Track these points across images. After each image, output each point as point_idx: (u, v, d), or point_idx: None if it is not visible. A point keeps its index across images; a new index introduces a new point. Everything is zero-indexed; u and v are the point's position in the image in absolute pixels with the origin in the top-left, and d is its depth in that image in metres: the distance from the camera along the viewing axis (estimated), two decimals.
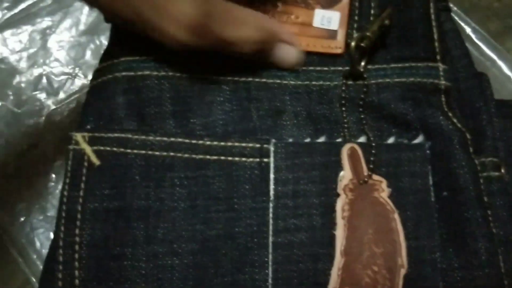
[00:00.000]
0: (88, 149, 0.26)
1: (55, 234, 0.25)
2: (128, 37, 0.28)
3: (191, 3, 0.24)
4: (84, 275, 0.24)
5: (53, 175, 0.36)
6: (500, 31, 0.38)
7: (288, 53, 0.28)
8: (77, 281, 0.24)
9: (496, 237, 0.26)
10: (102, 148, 0.26)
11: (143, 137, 0.26)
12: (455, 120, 0.28)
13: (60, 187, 0.34)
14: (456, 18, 0.37)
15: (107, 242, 0.24)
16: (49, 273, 0.24)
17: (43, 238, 0.34)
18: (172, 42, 0.25)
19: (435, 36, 0.29)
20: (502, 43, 0.37)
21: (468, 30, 0.38)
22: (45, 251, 0.33)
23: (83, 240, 0.24)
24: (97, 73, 0.29)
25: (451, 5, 0.34)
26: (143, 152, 0.26)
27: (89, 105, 0.28)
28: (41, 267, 0.33)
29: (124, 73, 0.28)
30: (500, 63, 0.37)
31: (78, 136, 0.26)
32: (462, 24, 0.38)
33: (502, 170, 0.28)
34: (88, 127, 0.27)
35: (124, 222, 0.25)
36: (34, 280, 0.33)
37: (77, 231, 0.24)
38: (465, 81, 0.30)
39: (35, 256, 0.34)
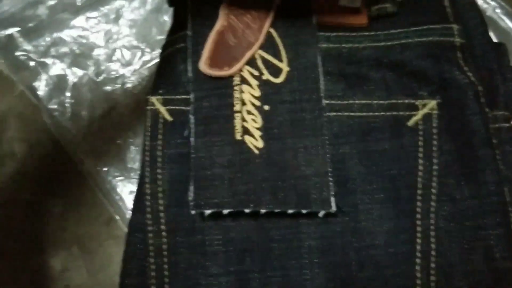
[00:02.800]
0: (162, 109, 0.32)
1: (141, 173, 0.32)
2: (185, 16, 0.33)
3: None
4: (167, 202, 0.31)
5: (130, 132, 0.42)
6: None
7: None
8: (161, 207, 0.31)
9: (505, 178, 0.30)
10: (172, 107, 0.32)
11: None
12: (469, 74, 0.31)
13: (136, 142, 0.42)
14: None
15: (181, 178, 0.31)
16: (139, 202, 0.31)
17: (122, 185, 0.41)
18: None
19: (446, 3, 0.32)
20: None
21: (493, 6, 0.40)
22: (124, 195, 0.41)
23: (164, 177, 0.31)
24: (164, 47, 0.35)
25: None
26: None
27: (160, 73, 0.34)
28: (122, 207, 0.41)
29: (182, 44, 0.33)
30: None
31: (154, 99, 0.32)
32: (488, 0, 0.40)
33: None
34: (160, 91, 0.33)
35: None
36: (117, 217, 0.40)
37: (159, 170, 0.31)
38: (481, 46, 0.34)
39: (117, 198, 0.41)
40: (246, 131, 0.30)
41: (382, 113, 0.32)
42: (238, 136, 0.30)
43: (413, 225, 0.30)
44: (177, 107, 0.32)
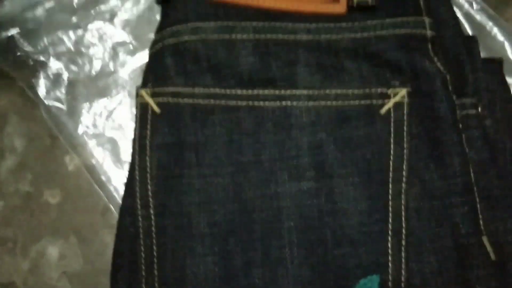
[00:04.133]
0: (150, 101, 0.34)
1: (132, 161, 0.34)
2: (172, 13, 0.36)
3: None
4: (155, 188, 0.33)
5: (123, 126, 0.44)
6: (499, 1, 0.42)
7: None
8: (150, 193, 0.33)
9: (472, 161, 0.32)
10: (160, 99, 0.34)
11: (190, 89, 0.34)
12: (438, 64, 0.33)
13: (129, 135, 0.44)
14: None
15: (169, 165, 0.33)
16: (129, 188, 0.34)
17: (116, 176, 0.43)
18: None
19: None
20: (502, 12, 0.41)
21: (470, 2, 0.42)
22: (118, 186, 0.42)
23: (152, 164, 0.33)
24: (153, 43, 0.37)
25: None
26: (191, 101, 0.34)
27: (149, 68, 0.36)
28: (116, 197, 0.43)
29: (169, 40, 0.35)
30: (496, 30, 0.41)
31: (143, 92, 0.35)
32: None
33: (479, 109, 0.34)
34: (149, 84, 0.35)
35: (180, 152, 0.34)
36: (112, 207, 0.42)
37: (147, 158, 0.33)
38: (452, 37, 0.36)
39: (112, 188, 0.43)
40: None
41: (357, 102, 0.33)
42: None
43: (386, 205, 0.32)
44: (164, 99, 0.34)
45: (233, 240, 0.32)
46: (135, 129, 0.35)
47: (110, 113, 0.45)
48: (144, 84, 0.35)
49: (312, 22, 0.35)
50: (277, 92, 0.34)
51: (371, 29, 0.35)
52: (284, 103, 0.34)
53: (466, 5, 0.42)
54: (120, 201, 0.42)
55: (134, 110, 0.43)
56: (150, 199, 0.33)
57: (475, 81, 0.35)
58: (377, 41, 0.34)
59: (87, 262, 0.42)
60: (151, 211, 0.32)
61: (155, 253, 0.32)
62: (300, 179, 0.33)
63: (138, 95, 0.35)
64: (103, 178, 0.43)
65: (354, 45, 0.34)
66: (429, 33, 0.34)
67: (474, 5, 0.42)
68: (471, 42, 0.37)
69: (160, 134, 0.34)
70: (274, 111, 0.34)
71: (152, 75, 0.35)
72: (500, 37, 0.41)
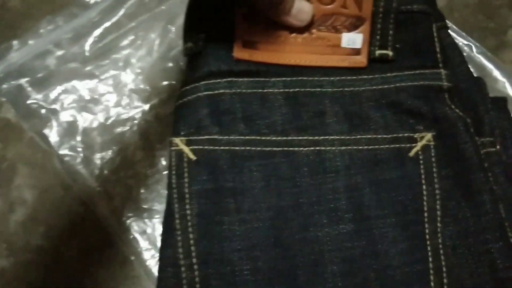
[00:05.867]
0: (186, 149, 0.35)
1: (169, 210, 0.34)
2: (205, 66, 0.37)
3: None
4: (196, 236, 0.33)
5: (141, 173, 0.43)
6: (496, 46, 0.46)
7: (303, 8, 0.35)
8: (191, 241, 0.33)
9: (498, 196, 0.34)
10: (196, 147, 0.35)
11: (226, 137, 0.35)
12: (457, 110, 0.35)
13: (147, 182, 0.43)
14: (458, 37, 0.45)
15: (209, 212, 0.33)
16: (168, 238, 0.33)
17: (135, 225, 0.42)
18: None
19: (437, 49, 0.37)
20: (498, 55, 0.45)
21: (470, 46, 0.46)
22: (137, 235, 0.41)
23: (192, 212, 0.33)
24: (183, 94, 0.37)
25: (454, 26, 0.43)
26: (227, 148, 0.35)
27: (180, 117, 0.36)
28: (136, 247, 0.42)
29: (205, 93, 0.36)
30: (496, 71, 0.45)
31: (177, 140, 0.35)
32: (465, 41, 0.46)
33: (498, 147, 0.36)
34: (182, 133, 0.35)
35: (220, 198, 0.34)
36: (132, 257, 0.41)
37: (187, 206, 0.33)
38: (464, 82, 0.38)
39: (131, 237, 0.41)
40: None
41: (386, 146, 0.35)
42: None
43: (424, 245, 0.33)
44: (200, 147, 0.35)
45: (277, 286, 0.32)
46: (170, 178, 0.34)
47: (126, 160, 0.44)
48: (176, 133, 0.36)
49: (336, 75, 0.37)
50: (310, 138, 0.35)
51: (391, 81, 0.36)
52: (317, 148, 0.35)
53: (467, 49, 0.45)
54: (140, 250, 0.41)
55: (150, 156, 0.44)
56: (192, 248, 0.32)
57: (489, 120, 0.37)
58: (397, 91, 0.36)
59: None
60: (194, 261, 0.32)
61: None
62: (339, 222, 0.33)
63: (171, 144, 0.35)
64: (122, 227, 0.42)
65: (376, 95, 0.36)
66: (445, 84, 0.36)
67: (474, 49, 0.45)
68: (480, 83, 0.39)
69: (198, 181, 0.34)
70: (308, 156, 0.35)
71: (186, 124, 0.36)
72: (501, 77, 0.44)
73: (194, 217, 0.33)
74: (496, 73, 0.45)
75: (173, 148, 0.35)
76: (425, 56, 0.37)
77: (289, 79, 0.37)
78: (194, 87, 0.37)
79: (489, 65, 0.45)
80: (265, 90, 0.36)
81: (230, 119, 0.36)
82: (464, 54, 0.44)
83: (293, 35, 0.37)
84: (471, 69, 0.44)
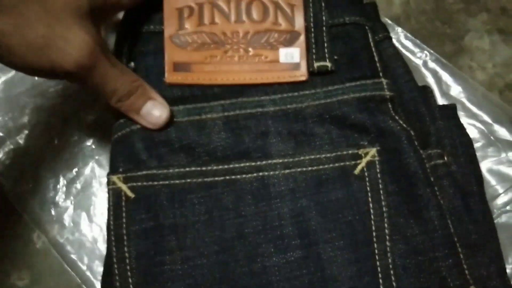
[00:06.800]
0: (123, 187, 0.33)
1: (108, 253, 0.32)
2: None
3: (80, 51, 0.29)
4: (136, 280, 0.32)
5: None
6: (454, 51, 0.45)
7: (154, 109, 0.33)
8: (131, 286, 0.31)
9: (446, 209, 0.33)
10: (134, 184, 0.33)
11: (165, 171, 0.33)
12: (401, 122, 0.35)
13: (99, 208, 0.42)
14: (412, 45, 0.45)
15: (149, 253, 0.32)
16: (108, 282, 0.32)
17: (89, 253, 0.41)
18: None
19: (376, 59, 0.36)
20: (456, 61, 0.45)
21: (425, 53, 0.45)
22: (90, 263, 0.40)
23: (131, 255, 0.32)
24: (116, 128, 0.35)
25: (408, 34, 0.43)
26: (167, 182, 0.33)
27: (116, 152, 0.35)
28: (90, 277, 0.41)
29: (138, 126, 0.35)
30: (450, 78, 0.44)
31: (115, 178, 0.33)
32: (419, 49, 0.45)
33: (445, 158, 0.35)
34: (120, 169, 0.34)
35: (160, 237, 0.32)
36: (84, 287, 0.40)
37: (125, 248, 0.32)
38: (409, 92, 0.37)
39: (84, 268, 0.40)
40: None
41: (331, 165, 0.34)
42: None
43: (374, 266, 0.32)
44: (138, 183, 0.33)
45: None
46: (108, 219, 0.33)
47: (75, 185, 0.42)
48: (113, 170, 0.34)
49: (277, 92, 0.35)
50: (252, 163, 0.34)
51: (333, 95, 0.35)
52: (261, 173, 0.34)
53: (423, 56, 0.45)
54: (93, 280, 0.40)
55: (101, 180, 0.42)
56: None
57: (436, 131, 0.36)
58: (340, 105, 0.35)
59: None
60: None
61: None
62: (287, 249, 0.32)
63: (109, 182, 0.33)
64: (74, 256, 0.41)
65: (319, 110, 0.35)
66: (387, 94, 0.35)
67: (429, 56, 0.45)
68: (426, 92, 0.39)
69: (136, 220, 0.33)
70: (252, 183, 0.33)
71: (122, 159, 0.34)
72: (454, 84, 0.44)
73: (133, 260, 0.32)
74: (451, 80, 0.44)
75: (110, 186, 0.33)
76: (364, 66, 0.36)
77: (228, 101, 0.35)
78: (126, 120, 0.35)
79: (444, 73, 0.44)
80: (202, 117, 0.35)
81: (168, 151, 0.34)
82: (419, 61, 0.45)
83: (229, 53, 0.35)
84: (427, 76, 0.44)
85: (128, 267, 0.32)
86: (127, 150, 0.34)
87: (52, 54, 0.29)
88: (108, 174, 0.34)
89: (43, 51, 0.29)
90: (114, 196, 0.33)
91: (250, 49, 0.36)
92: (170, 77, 0.35)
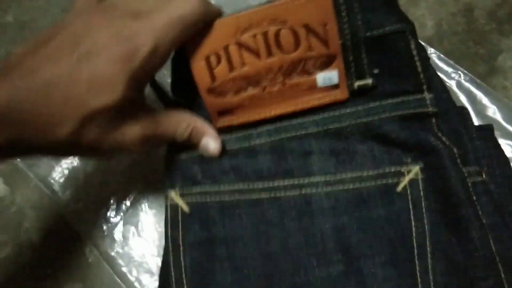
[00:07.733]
0: (180, 202, 0.36)
1: (165, 261, 0.35)
2: None
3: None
4: (191, 286, 0.34)
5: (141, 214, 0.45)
6: (487, 72, 0.46)
7: (209, 144, 0.36)
8: None
9: (487, 231, 0.33)
10: (189, 199, 0.36)
11: (216, 187, 0.36)
12: (444, 139, 0.35)
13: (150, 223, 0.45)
14: (445, 65, 0.46)
15: (202, 262, 0.34)
16: (165, 287, 0.35)
17: (138, 266, 0.43)
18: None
19: (419, 69, 0.34)
20: (489, 81, 0.45)
21: (459, 74, 0.46)
22: (140, 275, 0.42)
23: (186, 263, 0.34)
24: (172, 150, 0.38)
25: (441, 55, 0.44)
26: (218, 199, 0.36)
27: (175, 169, 0.37)
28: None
29: (195, 153, 0.37)
30: (486, 98, 0.44)
31: (172, 193, 0.36)
32: (453, 69, 0.46)
33: (484, 176, 0.35)
34: (177, 186, 0.36)
35: (212, 247, 0.35)
36: None
37: (182, 257, 0.35)
38: (447, 111, 0.37)
39: (133, 279, 0.43)
40: None
41: (372, 183, 0.35)
42: None
43: (415, 283, 0.33)
44: (193, 200, 0.36)
45: None
46: (166, 230, 0.36)
47: (125, 201, 0.45)
48: (171, 186, 0.37)
49: (319, 113, 0.36)
50: (296, 181, 0.35)
51: (374, 113, 0.35)
52: (303, 191, 0.35)
53: (457, 76, 0.45)
54: None
55: (153, 197, 0.45)
56: None
57: (474, 149, 0.37)
58: (381, 123, 0.35)
59: None
60: None
61: None
62: (329, 264, 0.34)
63: (167, 197, 0.36)
64: (124, 269, 0.44)
65: (361, 129, 0.36)
66: (431, 110, 0.35)
67: (462, 76, 0.45)
68: (463, 113, 0.39)
69: (191, 232, 0.35)
70: (295, 200, 0.35)
71: (179, 178, 0.37)
72: (490, 104, 0.44)
73: (188, 267, 0.34)
74: (486, 100, 0.44)
75: (168, 201, 0.36)
76: (406, 80, 0.35)
77: (272, 127, 0.36)
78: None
79: (479, 93, 0.44)
80: (251, 143, 0.37)
81: (220, 172, 0.37)
82: (453, 82, 0.45)
83: (267, 90, 0.35)
84: (461, 97, 0.44)
85: (184, 275, 0.34)
86: (185, 171, 0.37)
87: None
88: (167, 191, 0.36)
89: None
90: (172, 210, 0.36)
91: (286, 81, 0.35)
92: (218, 123, 0.37)
